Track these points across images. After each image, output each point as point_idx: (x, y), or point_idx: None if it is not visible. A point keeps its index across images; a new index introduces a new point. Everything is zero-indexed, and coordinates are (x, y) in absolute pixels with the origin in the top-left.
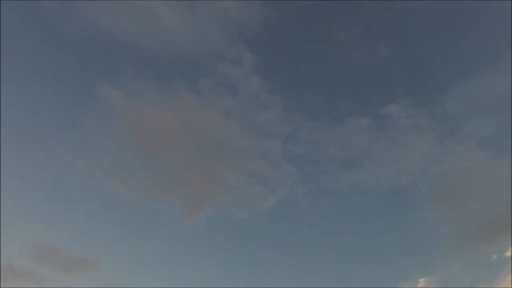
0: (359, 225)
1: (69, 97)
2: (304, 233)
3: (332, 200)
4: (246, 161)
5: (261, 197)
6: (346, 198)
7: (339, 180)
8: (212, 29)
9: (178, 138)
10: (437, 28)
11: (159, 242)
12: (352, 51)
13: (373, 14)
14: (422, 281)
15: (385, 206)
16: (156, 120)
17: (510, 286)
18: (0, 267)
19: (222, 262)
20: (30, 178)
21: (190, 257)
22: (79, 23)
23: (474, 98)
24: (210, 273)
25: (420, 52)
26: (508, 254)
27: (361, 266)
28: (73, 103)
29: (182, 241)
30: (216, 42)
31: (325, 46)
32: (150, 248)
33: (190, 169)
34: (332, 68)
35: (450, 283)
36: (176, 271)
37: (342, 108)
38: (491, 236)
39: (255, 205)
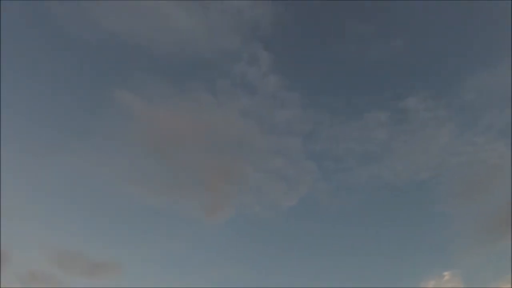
0: (381, 220)
1: (85, 103)
2: (327, 229)
3: (353, 196)
4: (266, 159)
5: (283, 195)
6: (367, 193)
7: (359, 175)
8: (226, 29)
9: (196, 140)
10: (453, 18)
11: (181, 243)
12: (368, 46)
13: (386, 7)
14: (447, 275)
15: (406, 200)
16: (173, 123)
17: None
18: None
19: (245, 261)
20: (50, 184)
21: (213, 257)
22: (91, 27)
23: (492, 88)
24: (233, 273)
25: (436, 43)
26: None
27: (384, 261)
28: (90, 109)
29: (203, 242)
30: (231, 42)
31: (340, 41)
32: (172, 250)
33: (210, 169)
34: (348, 63)
35: (474, 276)
36: (198, 271)
37: (360, 103)
38: None
39: (277, 203)
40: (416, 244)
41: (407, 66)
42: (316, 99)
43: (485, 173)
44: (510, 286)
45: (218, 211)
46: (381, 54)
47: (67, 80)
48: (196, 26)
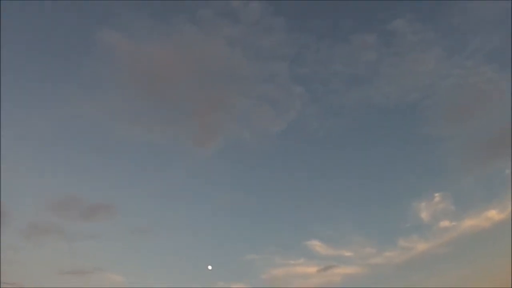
0: (370, 142)
1: (68, 47)
2: (317, 152)
3: (342, 118)
4: (254, 86)
5: (272, 121)
6: (356, 115)
7: (348, 98)
8: None
9: (182, 72)
10: None
11: (174, 176)
12: None
13: None
14: (437, 196)
15: (395, 122)
16: (158, 57)
17: None
18: None
19: (237, 187)
20: (40, 133)
21: (206, 186)
22: None
23: (480, 12)
24: (227, 199)
25: None
26: None
27: (375, 183)
28: (74, 52)
29: (196, 172)
30: None
31: None
32: (166, 183)
33: (199, 101)
34: None
35: (464, 199)
36: (193, 201)
37: (347, 26)
38: (503, 150)
39: (267, 129)
40: (406, 166)
41: None
42: (302, 23)
43: (474, 97)
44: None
45: (208, 141)
46: None
47: (49, 25)
48: None
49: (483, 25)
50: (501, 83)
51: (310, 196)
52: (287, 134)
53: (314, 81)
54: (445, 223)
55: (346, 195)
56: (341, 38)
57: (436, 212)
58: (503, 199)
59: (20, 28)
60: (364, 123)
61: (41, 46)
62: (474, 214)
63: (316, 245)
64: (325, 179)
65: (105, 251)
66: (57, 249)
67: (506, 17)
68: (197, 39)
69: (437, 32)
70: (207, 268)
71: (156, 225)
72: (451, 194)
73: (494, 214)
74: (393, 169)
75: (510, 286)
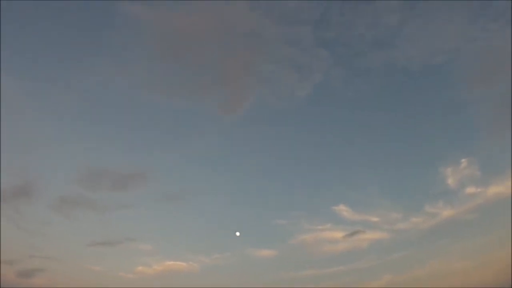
0: (396, 105)
1: (91, 19)
2: (342, 115)
3: (367, 81)
4: (278, 50)
5: (297, 85)
6: (381, 78)
7: (372, 61)
8: None
9: (207, 39)
10: None
11: (203, 142)
12: None
13: None
14: (464, 162)
15: (420, 85)
16: (182, 25)
17: None
18: None
19: (265, 152)
20: (68, 106)
21: (234, 152)
22: None
23: None
24: (254, 164)
25: None
26: None
27: (401, 147)
28: (96, 23)
29: (224, 138)
30: None
31: None
32: (195, 150)
33: (224, 66)
34: None
35: (490, 165)
36: (222, 167)
37: None
38: None
39: (292, 93)
40: (433, 130)
41: None
42: None
43: (500, 60)
44: None
45: (235, 106)
46: None
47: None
48: None
49: None
50: None
51: (337, 161)
52: (313, 98)
53: (339, 44)
54: (471, 189)
55: (372, 160)
56: (365, 1)
57: (463, 178)
58: None
59: (44, 3)
60: (389, 86)
61: (64, 20)
62: (500, 180)
63: (343, 210)
64: (352, 143)
65: (134, 221)
66: (87, 221)
67: None
68: (220, 4)
69: None
70: (235, 234)
71: (185, 192)
72: (478, 159)
73: None
74: (419, 133)
75: None
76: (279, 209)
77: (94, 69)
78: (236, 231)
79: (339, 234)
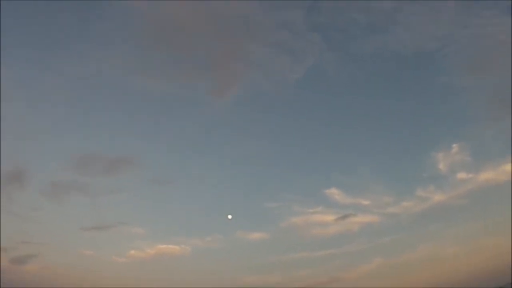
0: (389, 90)
1: (83, 7)
2: (334, 99)
3: (359, 66)
4: (270, 34)
5: (289, 68)
6: (374, 63)
7: (365, 45)
8: None
9: (198, 23)
10: None
11: (193, 126)
12: None
13: None
14: (455, 147)
15: (413, 70)
16: (173, 9)
17: None
18: None
19: (256, 136)
20: (56, 91)
21: (225, 136)
22: None
23: None
24: (246, 148)
25: None
26: None
27: (393, 131)
28: (88, 12)
29: (215, 122)
30: None
31: None
32: (185, 134)
33: (214, 50)
34: None
35: (482, 151)
36: (213, 150)
37: None
38: None
39: (284, 77)
40: (425, 115)
41: None
42: None
43: (494, 47)
44: None
45: (226, 90)
46: None
47: None
48: None
49: None
50: None
51: (329, 145)
52: (305, 82)
53: (331, 29)
54: (462, 175)
55: (364, 144)
56: None
57: (454, 163)
58: None
59: None
60: (382, 71)
61: (56, 8)
62: (491, 167)
63: (334, 193)
64: (344, 127)
65: (126, 205)
66: (80, 206)
67: None
68: None
69: None
70: (227, 217)
71: (176, 176)
72: (469, 145)
73: (511, 168)
74: (411, 118)
75: None
76: (270, 193)
77: (86, 56)
78: (228, 214)
79: (330, 218)
